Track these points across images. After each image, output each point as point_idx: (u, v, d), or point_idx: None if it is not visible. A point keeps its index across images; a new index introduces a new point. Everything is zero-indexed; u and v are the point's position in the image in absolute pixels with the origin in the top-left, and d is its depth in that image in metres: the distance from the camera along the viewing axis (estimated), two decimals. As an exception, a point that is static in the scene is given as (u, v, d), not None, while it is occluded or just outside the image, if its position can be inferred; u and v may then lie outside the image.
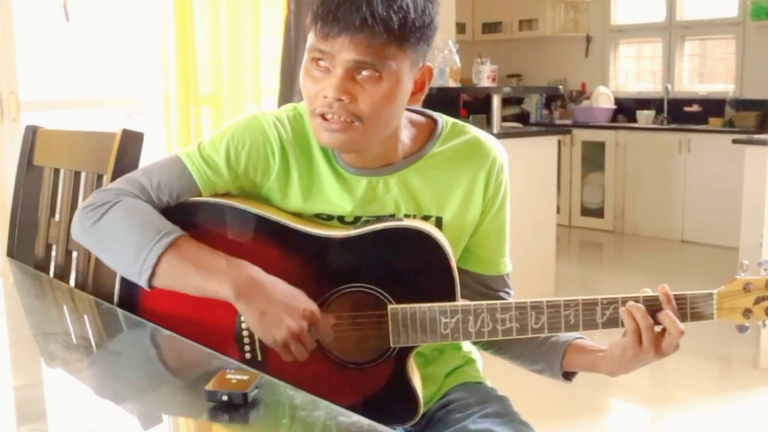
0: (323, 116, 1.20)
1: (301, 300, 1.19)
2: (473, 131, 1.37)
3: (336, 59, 1.17)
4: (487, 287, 1.41)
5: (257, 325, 1.17)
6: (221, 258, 1.20)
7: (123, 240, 1.24)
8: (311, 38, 1.19)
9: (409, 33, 1.17)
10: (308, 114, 1.25)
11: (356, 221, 1.31)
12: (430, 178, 1.32)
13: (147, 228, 1.22)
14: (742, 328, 1.25)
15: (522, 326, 1.24)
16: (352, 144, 1.23)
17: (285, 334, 1.16)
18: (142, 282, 1.22)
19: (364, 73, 1.17)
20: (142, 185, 1.28)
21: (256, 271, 1.19)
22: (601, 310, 1.23)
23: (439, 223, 1.33)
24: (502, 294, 1.42)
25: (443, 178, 1.33)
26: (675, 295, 1.23)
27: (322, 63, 1.19)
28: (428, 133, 1.35)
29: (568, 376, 1.37)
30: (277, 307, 1.16)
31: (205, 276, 1.19)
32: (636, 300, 1.22)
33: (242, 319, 1.25)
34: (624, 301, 1.22)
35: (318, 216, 1.31)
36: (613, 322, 1.23)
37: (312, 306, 1.19)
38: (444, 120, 1.37)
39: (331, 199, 1.30)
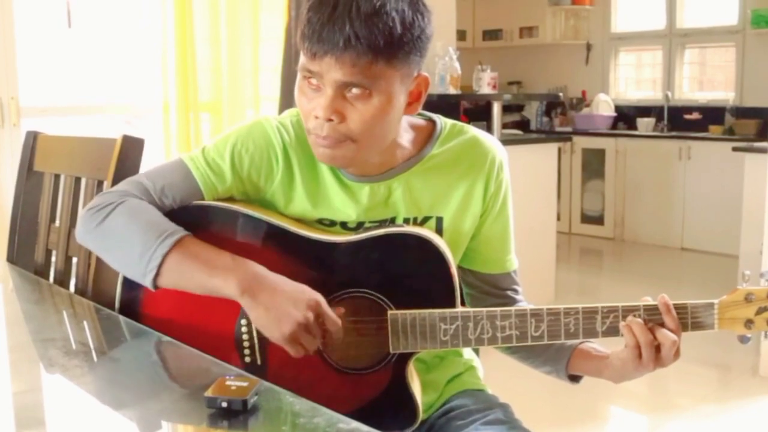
0: (317, 134, 1.21)
1: (306, 291, 1.18)
2: (471, 131, 1.37)
3: (324, 78, 1.17)
4: (495, 286, 1.41)
5: (264, 321, 1.16)
6: (226, 256, 1.20)
7: (127, 240, 1.24)
8: (301, 57, 1.19)
9: (396, 49, 1.15)
10: (305, 130, 1.25)
11: (359, 227, 1.31)
12: (430, 180, 1.32)
13: (151, 228, 1.22)
14: (743, 339, 1.24)
15: (522, 333, 1.23)
16: (347, 160, 1.23)
17: (292, 327, 1.14)
18: (147, 282, 1.22)
19: (354, 91, 1.17)
20: (145, 188, 1.29)
21: (261, 269, 1.19)
22: (601, 319, 1.23)
23: (439, 223, 1.33)
24: (509, 292, 1.42)
25: (443, 179, 1.33)
26: (676, 304, 1.23)
27: (313, 81, 1.19)
28: (427, 135, 1.35)
29: (575, 377, 1.37)
30: (282, 299, 1.16)
31: (209, 273, 1.19)
32: (636, 309, 1.22)
33: (242, 322, 1.25)
34: (624, 310, 1.22)
35: (320, 221, 1.31)
36: (613, 330, 1.23)
37: (317, 296, 1.18)
38: (442, 121, 1.37)
39: (335, 205, 1.31)
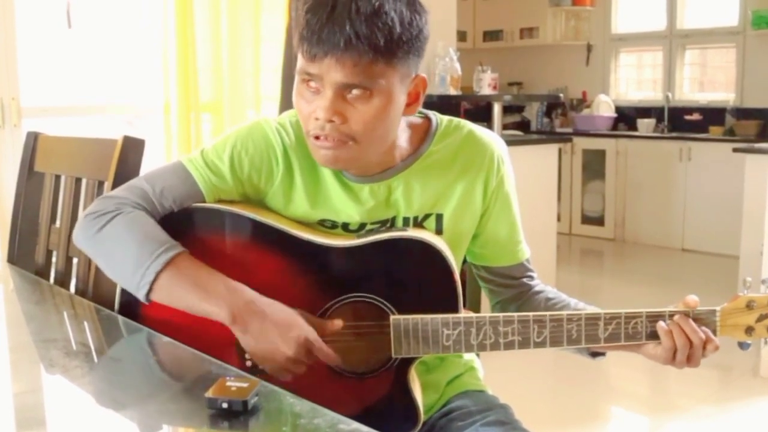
0: (316, 137, 1.20)
1: (297, 327, 1.17)
2: (468, 126, 1.37)
3: (324, 80, 1.16)
4: (510, 277, 1.42)
5: (254, 351, 1.18)
6: (220, 280, 1.20)
7: (123, 252, 1.24)
8: (300, 60, 1.19)
9: (396, 48, 1.15)
10: (304, 134, 1.25)
11: (360, 228, 1.31)
12: (428, 177, 1.32)
13: (147, 243, 1.22)
14: (743, 345, 1.25)
15: (524, 339, 1.24)
16: (348, 161, 1.23)
17: (281, 361, 1.16)
18: (139, 296, 1.22)
19: (354, 92, 1.17)
20: (145, 192, 1.28)
21: (254, 296, 1.19)
22: (604, 326, 1.23)
23: (439, 220, 1.33)
24: (525, 279, 1.43)
25: (442, 176, 1.33)
26: (679, 311, 1.23)
27: (312, 84, 1.18)
28: (424, 133, 1.34)
29: (597, 353, 1.36)
30: (272, 331, 1.16)
31: (201, 297, 1.19)
32: (638, 316, 1.23)
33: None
34: (627, 318, 1.23)
35: (322, 223, 1.31)
36: (615, 337, 1.24)
37: (308, 332, 1.17)
38: (438, 118, 1.37)
39: (336, 206, 1.30)
